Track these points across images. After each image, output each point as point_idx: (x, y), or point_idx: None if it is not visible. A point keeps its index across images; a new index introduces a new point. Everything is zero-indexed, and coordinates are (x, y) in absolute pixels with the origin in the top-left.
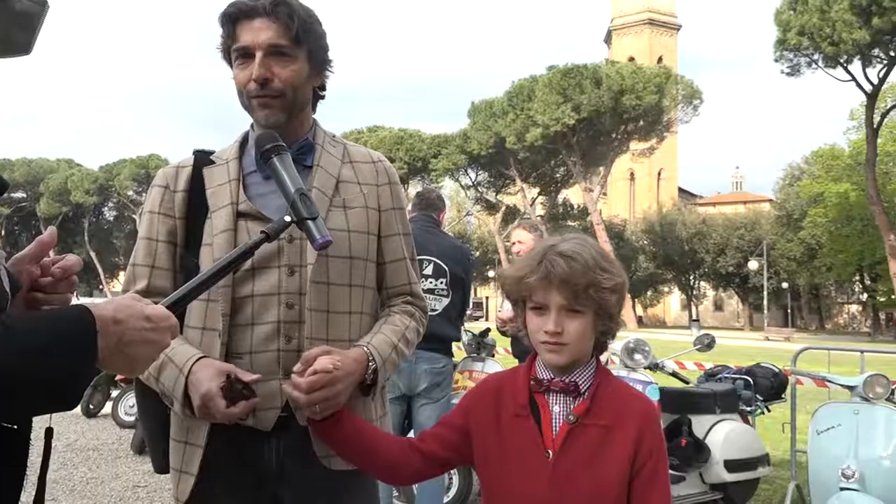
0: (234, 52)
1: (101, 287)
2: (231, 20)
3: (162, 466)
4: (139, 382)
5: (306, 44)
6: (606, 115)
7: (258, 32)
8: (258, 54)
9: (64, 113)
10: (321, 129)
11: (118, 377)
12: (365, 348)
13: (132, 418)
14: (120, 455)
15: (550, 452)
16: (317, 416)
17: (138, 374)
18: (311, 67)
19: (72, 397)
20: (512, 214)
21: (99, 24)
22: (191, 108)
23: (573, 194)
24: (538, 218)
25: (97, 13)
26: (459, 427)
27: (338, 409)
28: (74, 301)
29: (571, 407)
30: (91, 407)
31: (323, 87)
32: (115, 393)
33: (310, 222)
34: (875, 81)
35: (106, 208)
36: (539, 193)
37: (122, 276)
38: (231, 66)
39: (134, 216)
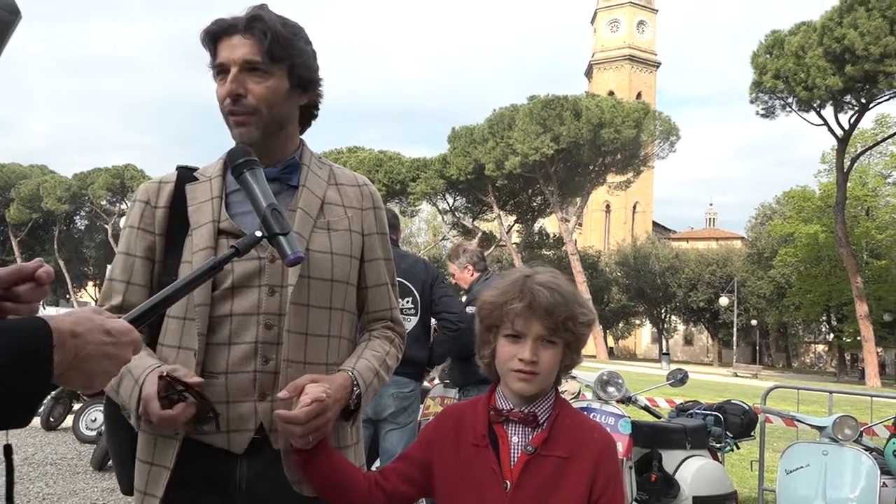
0: (215, 69)
1: (68, 297)
2: (212, 38)
3: (129, 488)
4: (109, 402)
5: (285, 60)
6: (585, 146)
7: (234, 49)
8: (233, 70)
9: (41, 120)
10: (308, 149)
11: None
12: (350, 372)
13: (93, 433)
14: (79, 471)
15: (508, 483)
16: (308, 445)
17: (95, 391)
18: (292, 85)
19: (24, 414)
20: (488, 240)
21: (83, 32)
22: (170, 121)
23: (549, 223)
24: (473, 243)
25: (82, 20)
26: (420, 461)
27: (325, 436)
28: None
29: (530, 437)
30: (51, 420)
31: (315, 107)
32: (76, 406)
33: (281, 238)
34: (846, 127)
35: (78, 217)
36: (516, 221)
37: (91, 286)
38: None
39: (106, 226)
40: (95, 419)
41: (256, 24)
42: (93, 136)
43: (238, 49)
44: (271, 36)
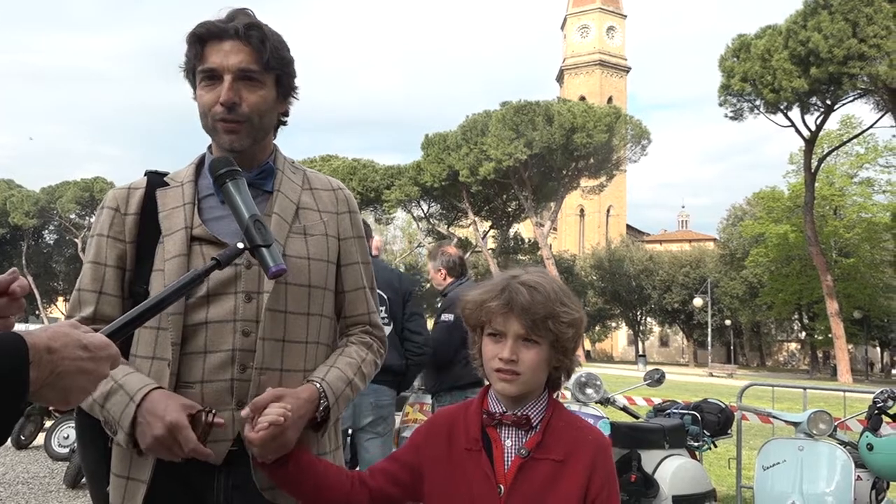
0: (201, 74)
1: (37, 313)
2: (199, 40)
3: None
4: (80, 416)
5: (275, 70)
6: (558, 151)
7: (228, 55)
8: (227, 77)
9: (2, 132)
10: (281, 154)
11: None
12: (317, 385)
13: (66, 450)
14: (51, 489)
15: (502, 487)
16: (269, 460)
17: (72, 407)
18: (278, 94)
19: (1, 433)
20: (463, 247)
21: (44, 42)
22: (137, 132)
23: (524, 228)
24: (456, 242)
25: (43, 30)
26: (409, 464)
27: (287, 451)
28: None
29: (524, 440)
30: (22, 438)
31: (286, 114)
32: (48, 423)
33: (264, 250)
34: (813, 128)
35: (46, 231)
36: (491, 227)
37: (60, 301)
38: (194, 87)
39: (76, 240)
40: (68, 436)
41: (254, 31)
42: (58, 148)
43: (232, 56)
44: (270, 46)
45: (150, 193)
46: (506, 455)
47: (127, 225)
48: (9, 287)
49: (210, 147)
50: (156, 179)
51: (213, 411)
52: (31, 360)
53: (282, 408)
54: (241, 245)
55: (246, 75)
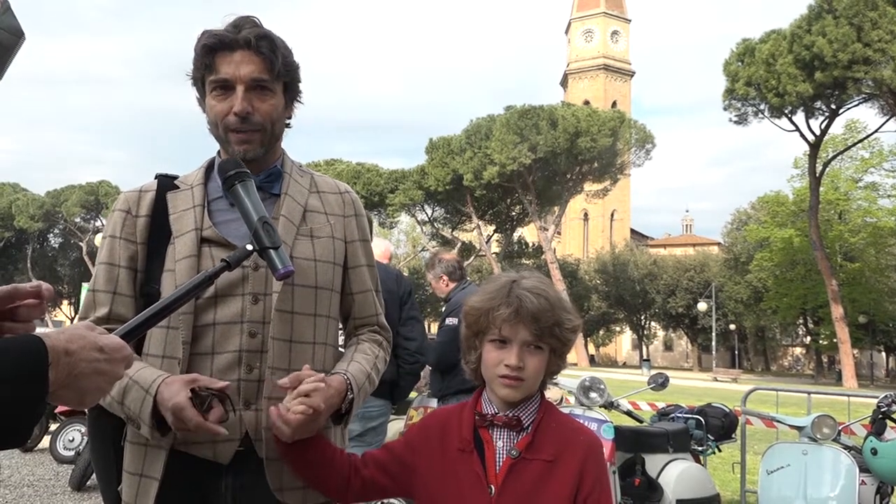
0: (212, 84)
1: (42, 316)
2: (210, 51)
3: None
4: (92, 417)
5: (284, 78)
6: (562, 155)
7: (239, 65)
8: (239, 88)
9: (7, 135)
10: (289, 158)
11: (58, 409)
12: (345, 376)
13: (71, 452)
14: (56, 492)
15: (493, 488)
16: (291, 440)
17: (87, 407)
18: (286, 100)
19: (22, 434)
20: (467, 251)
21: (51, 47)
22: (142, 137)
23: (528, 233)
24: (453, 253)
25: (50, 34)
26: (401, 458)
27: (311, 435)
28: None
29: (515, 441)
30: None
31: (289, 117)
32: (53, 426)
33: (272, 251)
34: (817, 132)
35: (51, 235)
36: (495, 231)
37: (66, 304)
38: (202, 95)
39: (81, 243)
40: (73, 439)
41: (264, 42)
42: (63, 152)
43: (244, 66)
44: (281, 57)
45: (160, 196)
46: (497, 456)
47: (138, 226)
48: (29, 294)
49: (219, 152)
50: (166, 182)
51: (198, 386)
52: (50, 362)
53: (323, 396)
54: (249, 247)
55: (258, 84)
